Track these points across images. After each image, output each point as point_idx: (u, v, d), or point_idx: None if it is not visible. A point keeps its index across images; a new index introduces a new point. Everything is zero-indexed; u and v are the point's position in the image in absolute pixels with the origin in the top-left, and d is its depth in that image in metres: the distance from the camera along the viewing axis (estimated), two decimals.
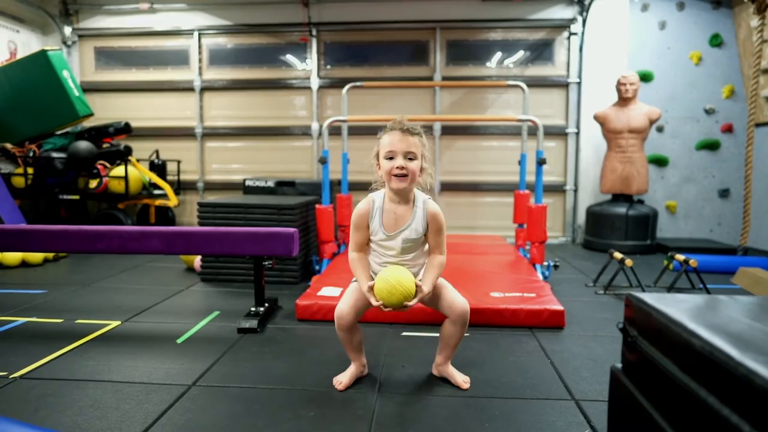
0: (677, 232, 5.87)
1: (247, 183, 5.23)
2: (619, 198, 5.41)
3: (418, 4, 5.94)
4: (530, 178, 4.45)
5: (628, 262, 3.49)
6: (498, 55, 6.06)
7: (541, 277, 3.56)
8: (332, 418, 1.80)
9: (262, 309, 2.88)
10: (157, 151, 6.08)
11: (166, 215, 6.07)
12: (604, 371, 2.19)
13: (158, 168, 5.96)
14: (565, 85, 5.96)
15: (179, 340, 2.59)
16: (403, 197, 1.95)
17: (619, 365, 1.34)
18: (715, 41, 5.60)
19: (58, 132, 5.57)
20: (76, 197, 5.37)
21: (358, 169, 4.92)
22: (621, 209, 5.25)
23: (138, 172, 5.48)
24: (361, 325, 2.08)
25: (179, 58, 6.36)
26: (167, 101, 6.39)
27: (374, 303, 1.87)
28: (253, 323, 2.73)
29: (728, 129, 5.67)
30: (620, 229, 5.24)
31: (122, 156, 5.48)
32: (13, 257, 4.24)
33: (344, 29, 6.11)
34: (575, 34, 5.85)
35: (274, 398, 1.95)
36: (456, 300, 1.99)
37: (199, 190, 6.44)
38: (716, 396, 0.89)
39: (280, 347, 2.50)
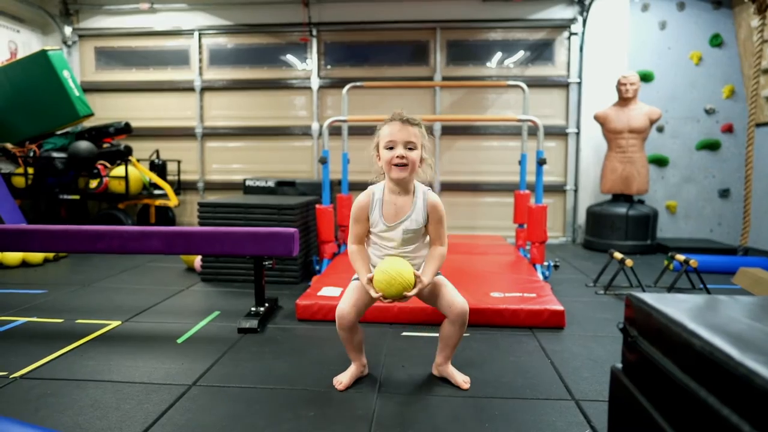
0: (677, 232, 5.87)
1: (248, 183, 5.24)
2: (619, 198, 5.41)
3: (419, 4, 5.94)
4: (530, 178, 4.45)
5: (629, 262, 3.49)
6: (498, 55, 6.06)
7: (541, 277, 3.56)
8: (332, 418, 1.80)
9: (262, 309, 2.88)
10: (157, 151, 6.08)
11: (166, 215, 6.07)
12: (604, 371, 2.19)
13: (158, 168, 5.96)
14: (566, 85, 5.96)
15: (179, 340, 2.59)
16: (403, 187, 1.95)
17: (620, 365, 1.34)
18: (716, 41, 5.60)
19: (59, 132, 5.58)
20: (77, 197, 5.37)
21: (359, 169, 4.92)
22: (621, 209, 5.25)
23: (138, 172, 5.48)
24: (361, 325, 2.07)
25: (179, 58, 6.36)
26: (167, 101, 6.39)
27: (374, 295, 1.88)
28: (253, 323, 2.73)
29: (728, 129, 5.67)
30: (620, 229, 5.24)
31: (122, 156, 5.48)
32: (13, 257, 4.24)
33: (344, 29, 6.11)
34: (575, 34, 5.85)
35: (274, 398, 1.95)
36: (455, 300, 1.98)
37: (199, 190, 6.44)
38: (716, 396, 0.89)
39: (280, 347, 2.50)
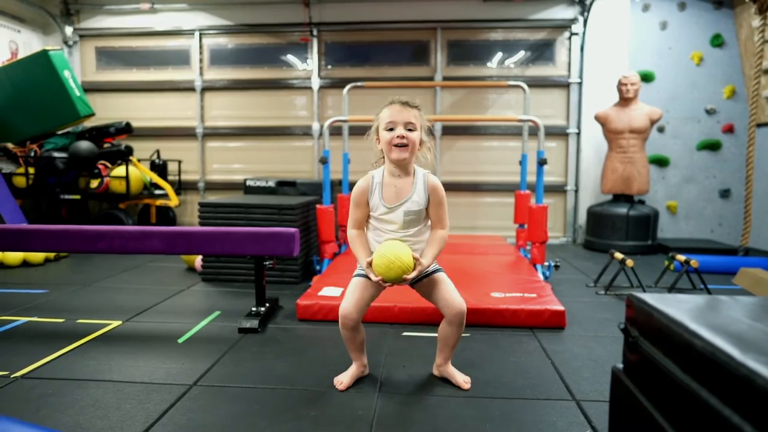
0: (678, 232, 5.86)
1: (248, 183, 5.24)
2: (619, 198, 5.41)
3: (419, 4, 5.94)
4: (531, 178, 4.45)
5: (629, 262, 3.49)
6: (499, 55, 6.06)
7: (541, 277, 3.56)
8: (333, 418, 1.80)
9: (263, 309, 2.89)
10: (158, 151, 6.08)
11: (167, 215, 6.07)
12: (605, 371, 2.19)
13: (159, 168, 5.96)
14: (566, 86, 5.96)
15: (180, 340, 2.59)
16: (403, 169, 1.96)
17: (620, 365, 1.34)
18: (717, 41, 5.60)
19: (60, 132, 5.58)
20: (77, 197, 5.38)
21: (359, 169, 4.91)
22: (622, 209, 5.25)
23: (139, 172, 5.48)
24: (362, 324, 2.08)
25: (180, 58, 6.36)
26: (168, 101, 6.39)
27: (373, 278, 1.89)
28: (254, 323, 2.73)
29: (729, 129, 5.66)
30: (621, 229, 5.23)
31: (123, 156, 5.48)
32: (14, 257, 4.24)
33: (345, 29, 6.11)
34: (576, 34, 5.85)
35: (275, 398, 1.95)
36: (453, 299, 1.97)
37: (199, 190, 6.44)
38: (717, 396, 0.89)
39: (280, 347, 2.50)
